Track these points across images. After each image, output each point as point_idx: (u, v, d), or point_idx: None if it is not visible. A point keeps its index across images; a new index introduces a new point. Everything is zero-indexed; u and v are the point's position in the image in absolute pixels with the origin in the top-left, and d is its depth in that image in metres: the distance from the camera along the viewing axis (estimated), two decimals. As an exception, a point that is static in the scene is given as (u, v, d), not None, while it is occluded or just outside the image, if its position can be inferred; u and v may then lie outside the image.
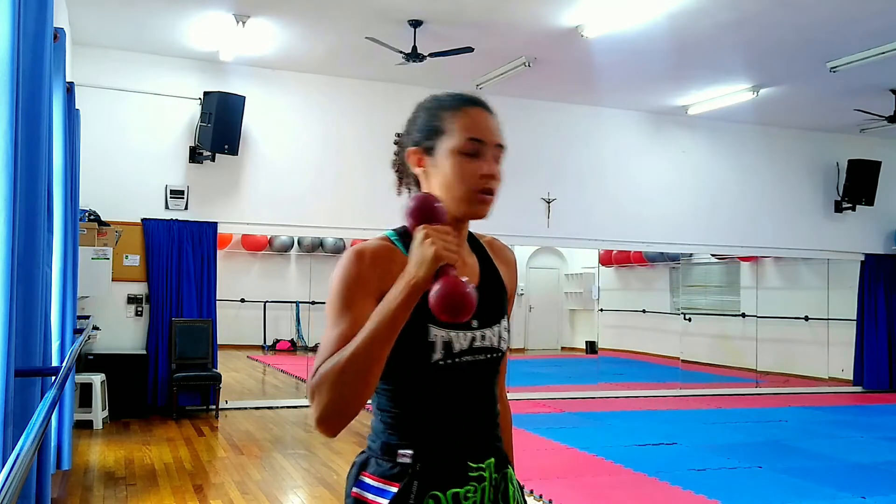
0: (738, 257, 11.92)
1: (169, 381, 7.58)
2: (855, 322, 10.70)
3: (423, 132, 1.44)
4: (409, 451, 1.36)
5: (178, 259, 7.80)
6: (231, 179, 8.15)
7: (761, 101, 8.91)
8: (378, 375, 1.25)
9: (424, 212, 1.25)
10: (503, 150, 1.44)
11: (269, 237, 13.00)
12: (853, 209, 10.51)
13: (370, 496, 1.37)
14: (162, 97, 7.88)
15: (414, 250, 1.23)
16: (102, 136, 7.55)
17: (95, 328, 7.04)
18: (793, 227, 10.38)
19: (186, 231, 7.87)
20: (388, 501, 1.35)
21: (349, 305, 1.30)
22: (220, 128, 7.67)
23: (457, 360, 1.38)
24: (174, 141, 7.95)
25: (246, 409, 8.18)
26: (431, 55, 6.85)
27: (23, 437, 1.61)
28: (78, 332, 4.86)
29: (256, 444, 6.46)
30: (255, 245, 13.27)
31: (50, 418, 2.01)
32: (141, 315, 7.79)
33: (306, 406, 8.36)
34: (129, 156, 7.76)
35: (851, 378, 10.69)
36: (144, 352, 7.61)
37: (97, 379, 6.89)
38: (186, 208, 7.95)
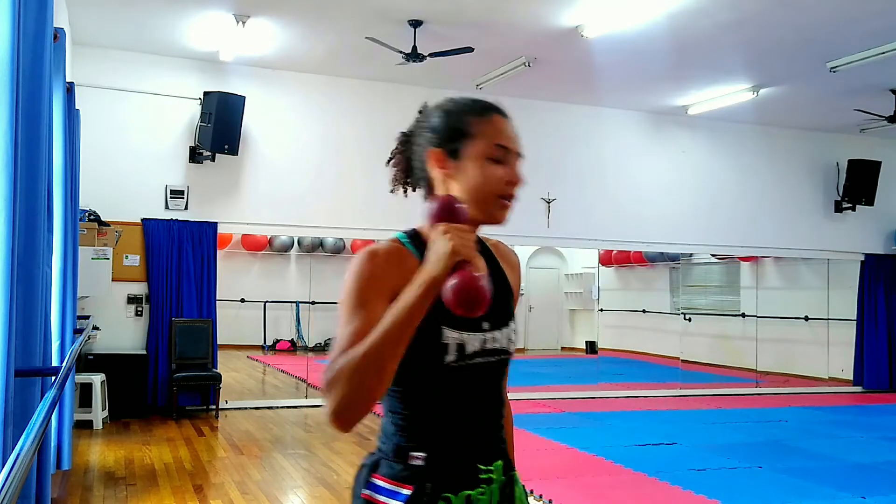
0: (738, 257, 11.93)
1: (169, 381, 7.58)
2: (855, 322, 10.70)
3: (446, 134, 1.44)
4: (422, 454, 1.37)
5: (178, 259, 7.80)
6: (231, 179, 8.15)
7: (761, 101, 8.91)
8: (393, 372, 1.25)
9: (447, 212, 1.28)
10: (521, 160, 1.47)
11: (269, 237, 13.01)
12: (853, 209, 10.51)
13: (382, 498, 1.37)
14: (162, 97, 7.88)
15: (433, 246, 1.24)
16: (102, 136, 7.55)
17: (95, 328, 7.04)
18: (793, 227, 10.38)
19: (186, 231, 7.87)
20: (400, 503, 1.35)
21: (363, 304, 1.31)
22: (220, 128, 7.67)
23: (469, 361, 1.39)
24: (174, 141, 7.95)
25: (246, 409, 8.18)
26: (431, 55, 6.84)
27: (23, 437, 1.62)
28: (78, 332, 4.87)
29: (256, 444, 6.46)
30: (255, 245, 13.27)
31: (50, 418, 2.01)
32: (141, 315, 7.79)
33: (306, 406, 8.38)
34: (129, 156, 7.76)
35: (851, 378, 10.69)
36: (144, 352, 7.61)
37: (97, 379, 6.89)
38: (186, 208, 7.95)
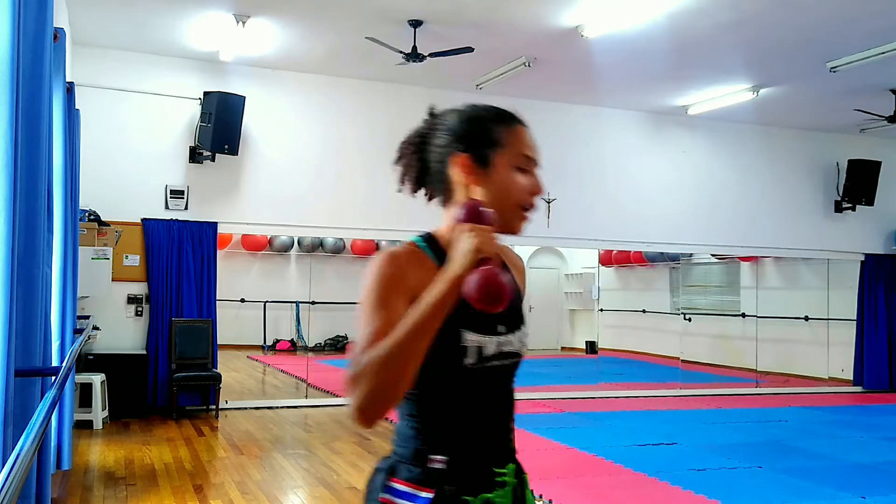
0: (738, 257, 11.93)
1: (169, 381, 7.58)
2: (855, 322, 10.70)
3: (474, 141, 1.45)
4: (442, 457, 1.38)
5: (178, 259, 7.80)
6: (231, 179, 8.15)
7: (761, 101, 8.91)
8: (415, 369, 1.26)
9: (474, 215, 1.31)
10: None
11: (269, 237, 13.00)
12: (853, 209, 10.51)
13: (401, 502, 1.37)
14: (162, 97, 7.89)
15: (457, 245, 1.27)
16: (102, 136, 7.55)
17: (95, 328, 7.04)
18: (793, 227, 10.38)
19: (186, 231, 7.87)
20: None
21: (384, 304, 1.32)
22: (220, 128, 7.67)
23: (486, 364, 1.41)
24: (174, 141, 7.95)
25: (246, 409, 8.18)
26: (431, 55, 6.85)
27: (23, 437, 1.62)
28: (78, 332, 4.87)
29: (256, 444, 6.46)
30: (255, 245, 13.27)
31: (50, 418, 2.01)
32: (141, 315, 7.79)
33: (306, 406, 8.38)
34: (129, 156, 7.76)
35: (851, 378, 10.69)
36: (144, 352, 7.61)
37: (97, 379, 6.89)
38: (186, 208, 7.95)
